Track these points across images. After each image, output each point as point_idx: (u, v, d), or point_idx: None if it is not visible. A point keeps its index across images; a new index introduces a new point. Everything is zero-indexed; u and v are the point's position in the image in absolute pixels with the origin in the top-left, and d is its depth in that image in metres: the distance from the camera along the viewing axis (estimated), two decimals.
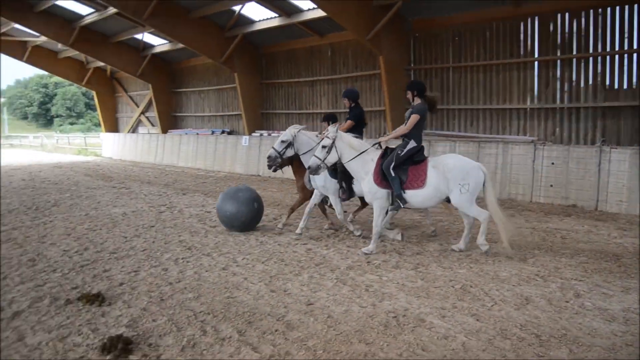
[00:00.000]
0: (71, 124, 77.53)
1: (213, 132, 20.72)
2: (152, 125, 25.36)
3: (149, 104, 24.97)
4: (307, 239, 7.67)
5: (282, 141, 7.66)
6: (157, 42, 21.62)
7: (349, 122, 7.70)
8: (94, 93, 29.01)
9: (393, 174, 6.49)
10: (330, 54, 16.52)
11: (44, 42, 23.60)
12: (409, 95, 6.82)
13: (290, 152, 7.72)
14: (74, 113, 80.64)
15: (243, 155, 18.12)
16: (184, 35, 17.34)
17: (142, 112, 25.84)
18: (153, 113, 24.67)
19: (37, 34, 21.64)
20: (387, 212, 7.00)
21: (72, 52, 24.26)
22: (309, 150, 7.49)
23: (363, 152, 6.74)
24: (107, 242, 7.52)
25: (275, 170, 8.11)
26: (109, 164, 22.69)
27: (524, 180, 11.27)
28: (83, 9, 19.17)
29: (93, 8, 18.62)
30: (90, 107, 79.78)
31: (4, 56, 24.53)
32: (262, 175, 16.89)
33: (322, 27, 15.59)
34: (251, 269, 6.05)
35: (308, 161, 7.07)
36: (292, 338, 4.11)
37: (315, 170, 6.74)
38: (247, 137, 18.19)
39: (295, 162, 8.13)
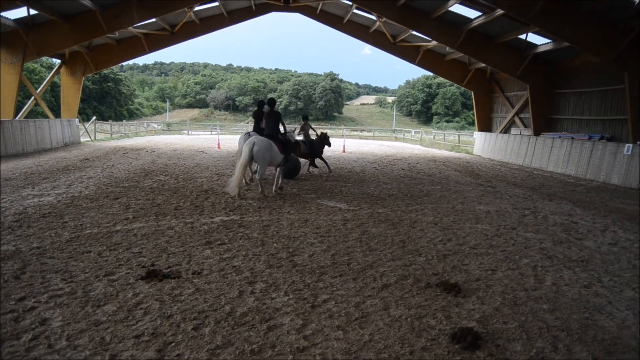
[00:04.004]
0: (447, 121, 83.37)
1: (590, 138, 19.08)
2: (525, 126, 24.94)
3: (525, 105, 24.61)
4: None
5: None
6: (540, 42, 21.11)
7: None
8: (472, 93, 30.28)
9: None
10: None
11: (434, 46, 25.94)
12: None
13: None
14: (451, 112, 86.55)
15: (622, 164, 16.10)
16: (570, 32, 16.41)
17: (516, 113, 25.65)
18: (527, 114, 24.25)
19: (429, 38, 23.91)
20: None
21: (457, 55, 25.91)
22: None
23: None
24: (469, 236, 7.85)
25: None
26: (478, 161, 23.37)
27: None
28: (472, 13, 20.25)
29: (481, 11, 19.41)
30: (466, 106, 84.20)
31: (398, 59, 27.99)
32: None
33: None
34: (618, 294, 5.43)
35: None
36: None
37: None
38: (631, 145, 16.04)
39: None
